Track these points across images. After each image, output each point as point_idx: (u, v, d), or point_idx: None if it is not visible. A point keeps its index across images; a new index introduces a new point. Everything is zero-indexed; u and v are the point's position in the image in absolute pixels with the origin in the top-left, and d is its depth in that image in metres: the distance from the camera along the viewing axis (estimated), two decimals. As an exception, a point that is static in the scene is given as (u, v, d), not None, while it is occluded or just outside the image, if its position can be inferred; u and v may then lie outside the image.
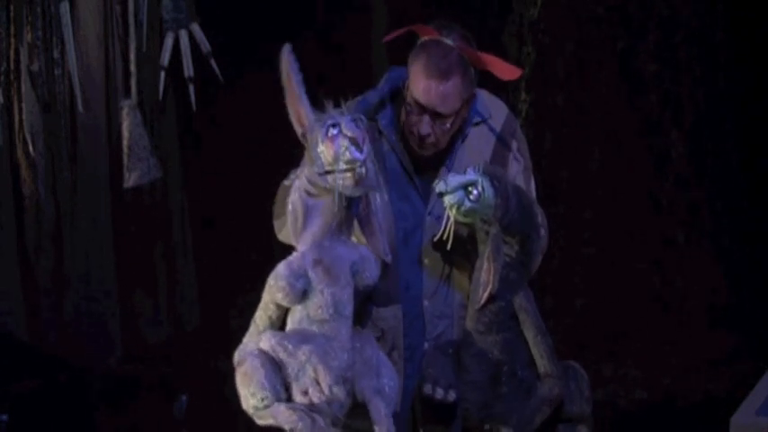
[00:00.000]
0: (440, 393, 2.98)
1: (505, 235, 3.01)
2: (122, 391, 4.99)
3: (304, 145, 2.91)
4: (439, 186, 2.97)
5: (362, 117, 2.87)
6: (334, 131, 2.80)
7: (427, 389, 2.99)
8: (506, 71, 3.13)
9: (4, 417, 4.36)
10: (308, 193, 2.90)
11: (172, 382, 4.94)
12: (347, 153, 2.77)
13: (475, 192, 2.95)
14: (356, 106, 3.20)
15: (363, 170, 2.80)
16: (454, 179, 2.96)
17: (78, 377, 4.85)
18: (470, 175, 2.96)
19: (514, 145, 3.25)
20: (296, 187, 2.93)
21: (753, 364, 4.91)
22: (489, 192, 2.96)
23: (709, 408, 5.00)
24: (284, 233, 3.05)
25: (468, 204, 2.95)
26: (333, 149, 2.79)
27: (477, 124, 3.22)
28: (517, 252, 3.05)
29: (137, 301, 5.00)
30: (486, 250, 3.00)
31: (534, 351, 3.04)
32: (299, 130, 2.91)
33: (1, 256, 4.74)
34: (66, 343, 4.85)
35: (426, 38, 3.10)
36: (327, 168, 2.81)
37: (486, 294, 2.99)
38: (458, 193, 2.95)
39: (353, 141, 2.77)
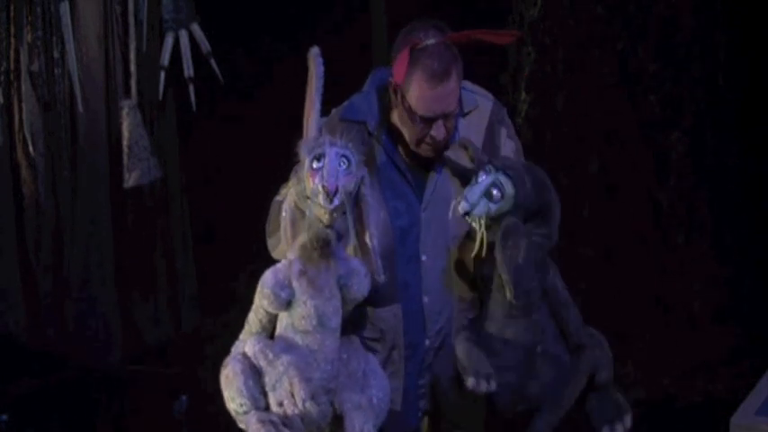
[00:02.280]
0: (483, 386, 2.96)
1: (525, 213, 2.99)
2: (122, 391, 4.99)
3: (298, 155, 2.90)
4: (462, 207, 2.94)
5: (351, 151, 2.85)
6: (318, 164, 2.79)
7: (471, 383, 2.96)
8: (500, 37, 3.13)
9: (4, 417, 4.35)
10: (297, 206, 2.90)
11: (172, 382, 4.94)
12: (320, 196, 2.77)
13: (495, 192, 2.94)
14: (343, 111, 3.21)
15: (336, 215, 2.79)
16: (473, 192, 2.94)
17: (78, 377, 4.85)
18: (486, 180, 2.95)
19: (504, 130, 3.26)
20: (291, 193, 2.93)
21: (753, 364, 4.91)
22: (507, 184, 2.95)
23: (709, 408, 5.00)
24: (278, 251, 3.04)
25: (493, 208, 2.94)
26: (311, 184, 2.79)
27: (465, 115, 3.22)
28: (539, 226, 3.03)
29: (137, 301, 5.00)
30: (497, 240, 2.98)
31: (566, 324, 3.04)
32: (305, 134, 2.91)
33: (1, 256, 4.75)
34: (67, 343, 4.85)
35: (411, 48, 3.08)
36: (308, 195, 2.82)
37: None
38: (480, 203, 2.93)
39: (325, 190, 2.76)
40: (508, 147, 3.25)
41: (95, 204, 4.87)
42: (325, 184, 2.76)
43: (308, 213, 2.82)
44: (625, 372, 5.31)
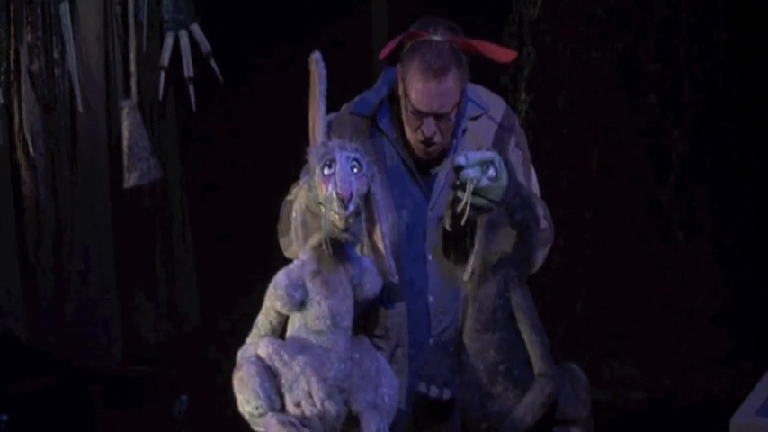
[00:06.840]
0: (434, 392, 2.98)
1: (508, 222, 2.98)
2: (122, 391, 4.99)
3: (307, 159, 2.89)
4: (458, 160, 2.91)
5: (361, 155, 2.83)
6: (329, 171, 2.78)
7: (422, 387, 2.99)
8: (501, 54, 3.12)
9: (4, 417, 4.36)
10: (308, 209, 2.89)
11: (172, 382, 4.94)
12: (334, 204, 2.76)
13: (491, 171, 2.93)
14: (354, 106, 3.21)
15: (351, 219, 2.78)
16: (474, 155, 2.93)
17: (78, 377, 4.85)
18: (490, 153, 2.95)
19: (513, 139, 3.25)
20: (301, 195, 2.92)
21: (753, 364, 4.91)
22: (503, 173, 2.95)
23: (710, 408, 5.00)
24: (291, 251, 3.04)
25: (484, 182, 2.93)
26: (324, 191, 2.78)
27: (475, 118, 3.22)
28: (515, 246, 3.03)
29: (137, 301, 5.01)
30: (478, 233, 2.97)
31: (530, 350, 3.03)
32: (311, 140, 2.90)
33: (1, 256, 4.75)
34: (67, 343, 4.85)
35: (415, 40, 3.09)
36: (320, 201, 2.81)
37: (470, 268, 2.96)
38: (476, 168, 2.92)
39: (339, 197, 2.75)
40: (515, 156, 3.24)
41: (95, 204, 4.87)
42: (340, 191, 2.75)
43: (322, 221, 2.81)
44: (625, 372, 5.32)
